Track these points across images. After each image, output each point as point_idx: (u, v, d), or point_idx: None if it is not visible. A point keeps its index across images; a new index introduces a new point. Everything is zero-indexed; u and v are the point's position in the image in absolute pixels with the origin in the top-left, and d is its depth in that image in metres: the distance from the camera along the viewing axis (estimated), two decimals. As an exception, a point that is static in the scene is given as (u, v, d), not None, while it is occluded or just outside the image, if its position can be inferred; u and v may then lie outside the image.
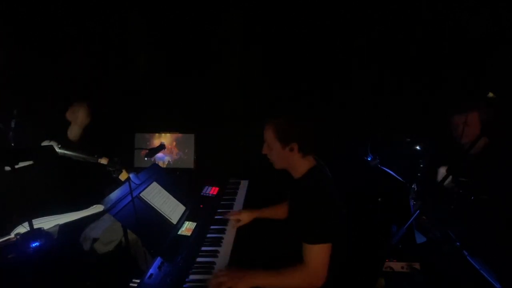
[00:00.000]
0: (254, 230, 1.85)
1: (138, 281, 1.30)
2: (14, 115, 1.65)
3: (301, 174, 1.47)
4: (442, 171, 1.96)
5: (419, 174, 2.04)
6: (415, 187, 2.06)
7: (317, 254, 1.31)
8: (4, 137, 1.61)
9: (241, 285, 1.32)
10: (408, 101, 2.62)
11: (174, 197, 1.78)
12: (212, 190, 2.24)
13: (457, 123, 1.92)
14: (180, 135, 2.56)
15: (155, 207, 1.59)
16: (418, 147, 2.04)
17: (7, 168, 1.47)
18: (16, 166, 1.45)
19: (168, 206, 1.69)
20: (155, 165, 1.94)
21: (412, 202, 2.06)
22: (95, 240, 1.52)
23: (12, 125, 1.64)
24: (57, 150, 1.36)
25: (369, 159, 2.13)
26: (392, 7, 2.52)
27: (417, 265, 1.75)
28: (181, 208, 1.77)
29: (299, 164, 1.48)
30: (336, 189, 1.47)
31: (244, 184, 2.39)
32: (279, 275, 1.36)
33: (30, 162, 1.55)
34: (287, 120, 1.44)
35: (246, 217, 1.82)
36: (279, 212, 1.87)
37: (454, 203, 1.85)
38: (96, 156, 1.39)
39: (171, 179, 1.92)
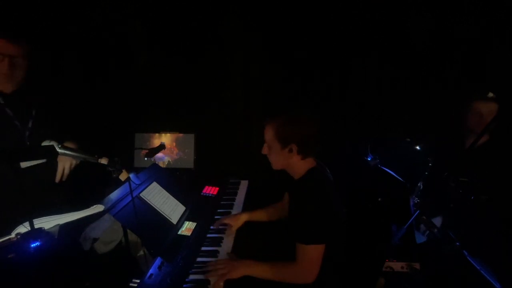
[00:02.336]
0: (254, 230, 1.85)
1: (138, 281, 1.30)
2: (33, 116, 1.64)
3: (300, 175, 1.46)
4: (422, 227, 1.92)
5: (426, 173, 2.02)
6: (421, 185, 2.05)
7: (310, 254, 1.33)
8: (20, 136, 1.61)
9: (234, 273, 1.37)
10: (409, 100, 2.62)
11: (174, 197, 1.78)
12: (212, 190, 2.24)
13: (479, 111, 1.87)
14: (180, 135, 2.56)
15: (155, 207, 1.59)
16: (418, 147, 2.04)
17: (25, 165, 1.47)
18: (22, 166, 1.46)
19: (168, 206, 1.69)
20: (155, 165, 1.94)
21: (416, 200, 2.05)
22: (95, 240, 1.52)
23: (29, 125, 1.63)
24: (57, 150, 1.36)
25: (369, 159, 2.13)
26: (392, 7, 2.52)
27: (417, 265, 1.75)
28: (181, 208, 1.77)
29: (298, 166, 1.46)
30: (336, 190, 1.47)
31: (244, 184, 2.39)
32: (272, 268, 1.40)
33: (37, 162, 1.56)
34: (288, 120, 1.40)
35: (237, 222, 1.78)
36: (270, 213, 1.85)
37: (454, 203, 1.85)
38: (96, 156, 1.40)
39: (171, 179, 1.91)
